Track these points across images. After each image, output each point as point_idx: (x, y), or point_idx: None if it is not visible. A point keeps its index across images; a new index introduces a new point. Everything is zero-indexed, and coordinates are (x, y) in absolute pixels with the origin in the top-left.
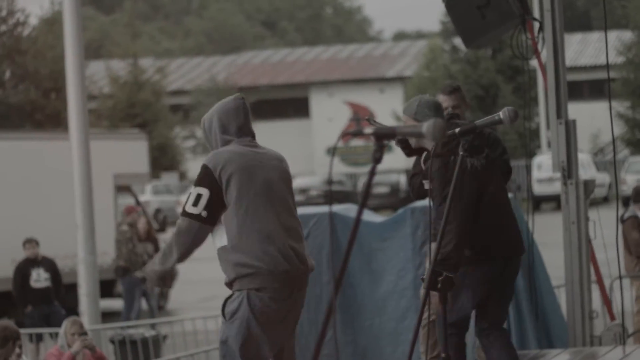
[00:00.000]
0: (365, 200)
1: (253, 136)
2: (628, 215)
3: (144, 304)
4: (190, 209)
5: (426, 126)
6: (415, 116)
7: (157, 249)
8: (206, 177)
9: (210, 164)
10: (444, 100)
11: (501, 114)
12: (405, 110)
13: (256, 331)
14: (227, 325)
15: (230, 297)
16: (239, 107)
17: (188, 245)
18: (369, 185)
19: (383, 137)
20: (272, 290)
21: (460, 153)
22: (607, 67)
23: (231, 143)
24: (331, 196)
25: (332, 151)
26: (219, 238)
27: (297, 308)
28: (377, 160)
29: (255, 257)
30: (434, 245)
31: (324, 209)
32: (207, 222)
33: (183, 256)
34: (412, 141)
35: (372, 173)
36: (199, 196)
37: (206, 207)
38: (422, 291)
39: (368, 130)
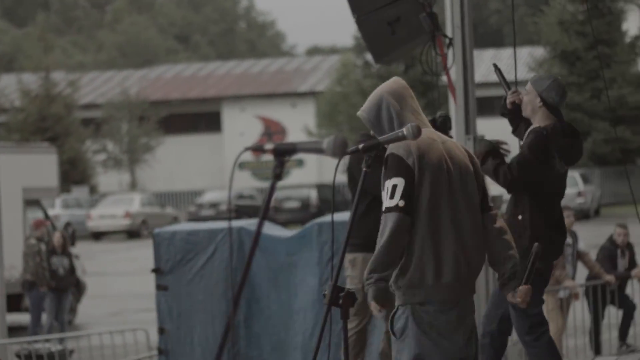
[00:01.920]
0: (265, 215)
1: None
2: None
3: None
4: (388, 202)
5: (326, 142)
6: (542, 94)
7: (71, 262)
8: (398, 166)
9: (399, 151)
10: None
11: (404, 130)
12: (534, 82)
13: (429, 347)
14: (399, 343)
15: (395, 312)
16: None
17: (393, 245)
18: (269, 200)
19: (282, 152)
20: (437, 302)
21: (363, 169)
22: (515, 84)
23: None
24: (230, 210)
25: (233, 168)
26: None
27: (468, 316)
28: (277, 176)
29: (422, 270)
30: (363, 256)
31: (232, 223)
32: (405, 211)
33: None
34: (527, 112)
35: (272, 188)
36: (394, 187)
37: (402, 197)
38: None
39: (268, 145)
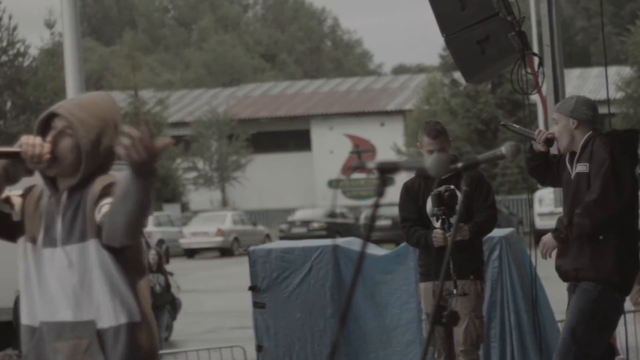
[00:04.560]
0: (370, 233)
1: None
2: None
3: None
4: None
5: (430, 161)
6: (572, 114)
7: (167, 280)
8: None
9: None
10: (429, 144)
11: (503, 149)
12: (559, 109)
13: None
14: None
15: None
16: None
17: None
18: (372, 218)
19: (386, 170)
20: None
21: (463, 188)
22: (607, 102)
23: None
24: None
25: (336, 184)
26: None
27: None
28: (380, 193)
29: None
30: (424, 285)
31: (327, 241)
32: None
33: None
34: (564, 141)
35: (376, 206)
36: None
37: None
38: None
39: (370, 164)
